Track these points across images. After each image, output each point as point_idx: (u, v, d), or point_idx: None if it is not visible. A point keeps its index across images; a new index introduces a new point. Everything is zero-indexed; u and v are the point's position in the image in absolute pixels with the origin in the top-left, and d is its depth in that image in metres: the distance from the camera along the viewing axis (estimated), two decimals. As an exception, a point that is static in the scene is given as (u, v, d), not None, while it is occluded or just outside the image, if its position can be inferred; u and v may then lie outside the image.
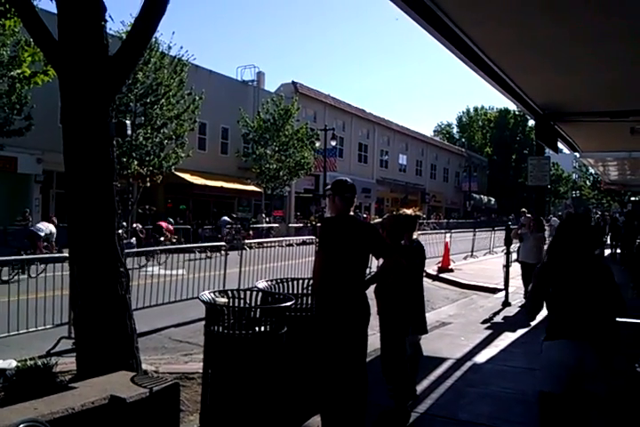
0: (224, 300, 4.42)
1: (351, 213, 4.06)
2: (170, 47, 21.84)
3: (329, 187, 4.15)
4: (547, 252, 3.89)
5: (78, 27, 4.34)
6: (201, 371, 4.45)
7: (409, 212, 4.85)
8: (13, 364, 4.57)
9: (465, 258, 18.28)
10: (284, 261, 11.13)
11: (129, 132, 4.90)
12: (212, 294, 4.41)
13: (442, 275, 13.79)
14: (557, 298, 3.40)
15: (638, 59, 7.75)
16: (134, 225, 19.70)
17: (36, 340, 6.32)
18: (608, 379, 3.29)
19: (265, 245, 14.43)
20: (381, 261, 4.25)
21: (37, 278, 10.11)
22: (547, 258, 3.73)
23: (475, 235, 20.02)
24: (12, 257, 10.10)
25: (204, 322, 4.23)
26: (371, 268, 6.01)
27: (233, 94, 29.51)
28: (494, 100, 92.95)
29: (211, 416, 4.10)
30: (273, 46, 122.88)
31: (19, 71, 9.83)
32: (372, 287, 4.49)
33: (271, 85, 37.59)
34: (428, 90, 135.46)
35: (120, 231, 4.69)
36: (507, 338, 7.41)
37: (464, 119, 71.92)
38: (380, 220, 5.13)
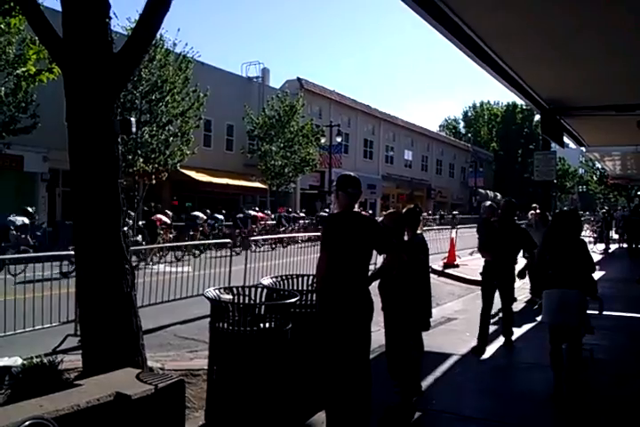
0: (229, 297, 4.43)
1: (355, 209, 4.03)
2: (175, 44, 21.80)
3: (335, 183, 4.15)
4: (545, 234, 5.51)
5: (82, 24, 4.34)
6: (206, 368, 4.47)
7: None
8: (19, 361, 4.58)
9: (471, 253, 18.17)
10: (289, 257, 11.13)
11: (134, 129, 4.91)
12: (218, 291, 4.42)
13: (447, 270, 13.74)
14: (553, 262, 5.10)
15: (644, 52, 7.70)
16: (140, 222, 19.72)
17: (43, 337, 6.33)
18: (585, 316, 5.02)
19: (270, 241, 14.46)
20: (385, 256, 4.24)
21: (43, 276, 10.16)
22: (545, 237, 5.37)
23: (481, 230, 19.91)
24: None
25: (209, 319, 4.24)
26: (375, 264, 6.01)
27: (238, 91, 29.46)
28: (501, 94, 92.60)
29: (216, 413, 4.12)
30: (278, 42, 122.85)
31: (24, 69, 9.83)
32: (376, 283, 4.48)
33: (276, 82, 37.63)
34: (435, 85, 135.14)
35: (125, 229, 4.70)
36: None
37: (470, 114, 71.52)
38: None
